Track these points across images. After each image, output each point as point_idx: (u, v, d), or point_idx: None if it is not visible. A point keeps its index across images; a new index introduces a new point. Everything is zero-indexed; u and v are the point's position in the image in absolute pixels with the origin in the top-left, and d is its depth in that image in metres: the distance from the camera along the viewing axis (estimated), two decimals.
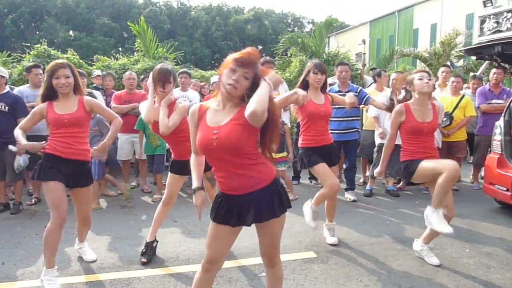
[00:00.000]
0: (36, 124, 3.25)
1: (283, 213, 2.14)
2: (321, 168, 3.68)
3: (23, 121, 3.25)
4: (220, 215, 2.10)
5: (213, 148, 1.99)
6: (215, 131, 1.99)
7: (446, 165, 3.16)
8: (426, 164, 3.28)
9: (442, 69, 6.63)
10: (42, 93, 3.14)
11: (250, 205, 2.06)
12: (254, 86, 1.97)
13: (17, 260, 3.53)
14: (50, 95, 3.13)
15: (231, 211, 2.08)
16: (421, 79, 3.39)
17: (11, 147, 4.55)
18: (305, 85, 3.79)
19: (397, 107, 3.49)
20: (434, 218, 3.18)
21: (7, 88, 5.03)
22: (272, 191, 2.09)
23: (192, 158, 2.26)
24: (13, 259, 3.55)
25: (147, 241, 3.55)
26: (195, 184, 2.24)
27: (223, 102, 2.06)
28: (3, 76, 4.89)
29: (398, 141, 3.57)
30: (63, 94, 3.11)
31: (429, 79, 3.41)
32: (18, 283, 3.12)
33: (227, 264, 3.39)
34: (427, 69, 10.71)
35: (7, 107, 4.86)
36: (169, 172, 3.52)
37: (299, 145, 3.93)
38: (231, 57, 2.01)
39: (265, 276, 2.41)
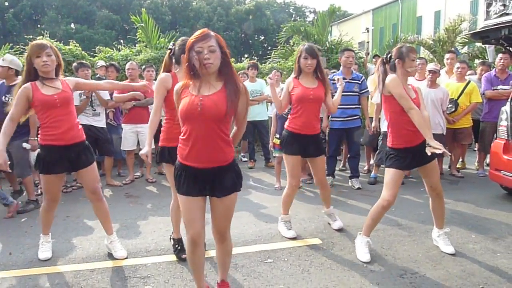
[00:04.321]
0: (25, 110, 3.06)
1: (238, 191, 2.36)
2: (292, 161, 3.69)
3: (11, 110, 3.01)
4: (184, 187, 2.27)
5: (196, 113, 2.14)
6: (200, 99, 2.15)
7: (386, 193, 3.21)
8: (393, 176, 3.22)
9: (447, 55, 6.57)
10: (24, 78, 3.08)
11: (212, 179, 2.25)
12: (223, 57, 2.17)
13: (24, 249, 3.56)
14: (31, 79, 3.07)
15: (191, 182, 2.25)
16: (413, 60, 3.15)
17: (25, 145, 4.50)
18: (299, 70, 3.65)
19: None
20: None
21: (18, 80, 4.69)
22: (231, 169, 2.30)
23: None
24: (21, 247, 3.58)
25: (175, 238, 3.38)
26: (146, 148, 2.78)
27: (202, 82, 2.19)
28: (10, 68, 4.65)
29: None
30: (46, 74, 3.07)
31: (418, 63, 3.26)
32: (26, 270, 3.14)
33: (233, 250, 3.40)
34: (431, 56, 10.63)
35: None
36: (166, 164, 3.10)
37: (285, 126, 3.78)
38: (189, 41, 2.17)
39: (216, 251, 2.54)
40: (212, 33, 2.18)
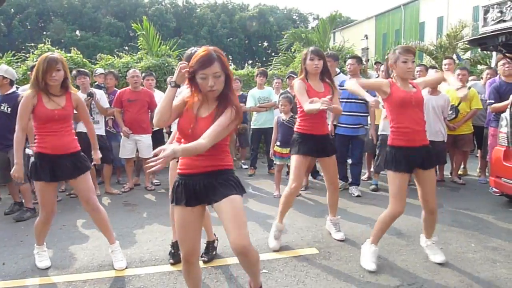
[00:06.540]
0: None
1: (240, 194, 2.24)
2: (298, 161, 3.63)
3: (18, 121, 3.15)
4: (180, 198, 2.22)
5: (188, 134, 2.19)
6: (192, 125, 2.17)
7: (396, 205, 3.14)
8: (397, 184, 3.12)
9: (445, 61, 6.53)
10: (32, 86, 3.16)
11: (208, 185, 2.20)
12: (226, 79, 2.15)
13: (18, 259, 3.53)
14: (39, 88, 3.14)
15: (188, 192, 2.21)
16: (405, 62, 3.04)
17: (28, 151, 4.39)
18: (305, 74, 3.60)
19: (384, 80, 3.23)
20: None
21: (13, 89, 4.82)
22: (228, 175, 2.26)
23: None
24: (15, 257, 3.56)
25: (173, 241, 3.40)
26: None
27: (203, 98, 2.21)
28: (4, 77, 4.67)
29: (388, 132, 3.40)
30: (51, 88, 3.14)
31: (413, 63, 3.10)
32: (19, 281, 3.12)
33: (227, 261, 3.37)
34: (433, 62, 10.59)
35: (9, 109, 4.65)
36: None
37: (294, 129, 3.78)
38: (192, 64, 2.11)
39: (240, 262, 2.34)
40: (215, 54, 2.09)
